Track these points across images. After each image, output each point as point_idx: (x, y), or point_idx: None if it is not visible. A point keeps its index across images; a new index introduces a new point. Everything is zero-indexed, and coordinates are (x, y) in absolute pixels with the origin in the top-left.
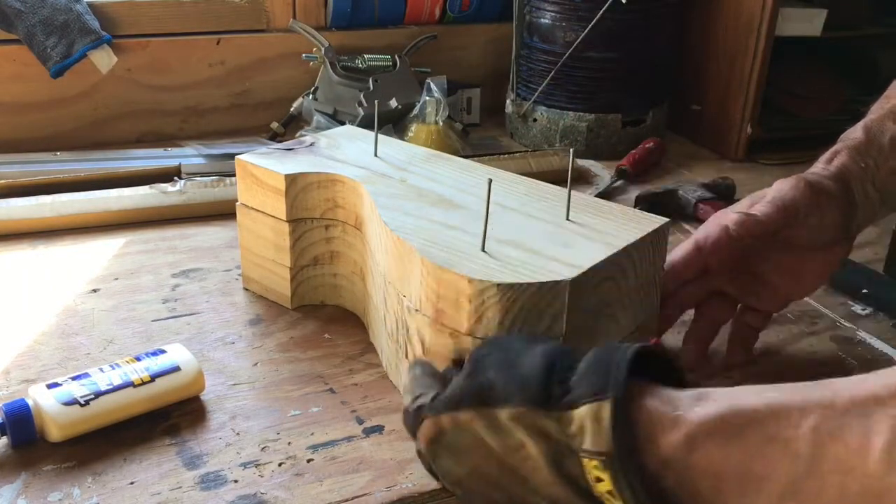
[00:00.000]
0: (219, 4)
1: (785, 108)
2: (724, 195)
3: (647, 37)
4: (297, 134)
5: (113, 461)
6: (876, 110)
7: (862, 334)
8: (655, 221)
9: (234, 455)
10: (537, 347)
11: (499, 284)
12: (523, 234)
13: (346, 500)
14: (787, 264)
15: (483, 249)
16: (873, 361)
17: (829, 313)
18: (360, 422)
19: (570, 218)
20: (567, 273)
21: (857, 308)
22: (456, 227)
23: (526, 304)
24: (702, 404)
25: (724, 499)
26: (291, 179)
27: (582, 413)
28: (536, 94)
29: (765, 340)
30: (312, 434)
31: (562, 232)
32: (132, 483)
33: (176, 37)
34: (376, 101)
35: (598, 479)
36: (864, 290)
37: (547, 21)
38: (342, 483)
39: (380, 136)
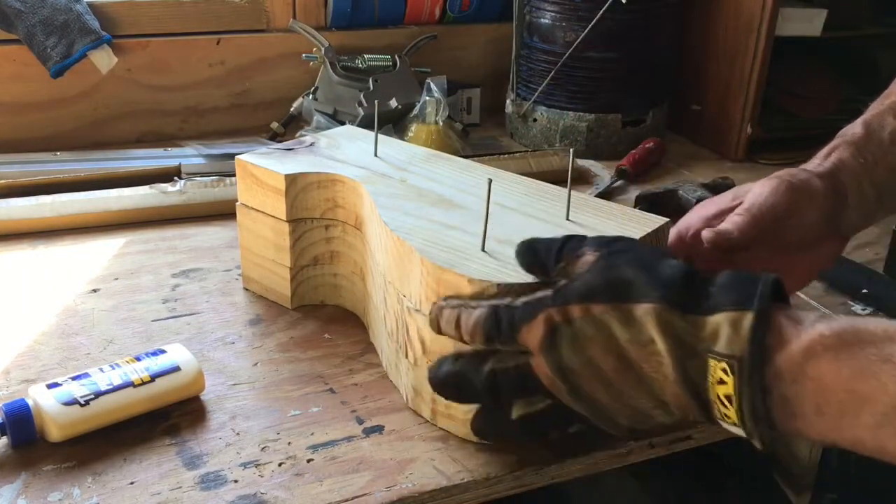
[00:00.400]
0: (219, 4)
1: (785, 108)
2: None
3: (647, 37)
4: (297, 134)
5: (113, 461)
6: (875, 106)
7: None
8: (655, 221)
9: (234, 455)
10: (671, 258)
11: (499, 284)
12: (523, 234)
13: (346, 500)
14: (771, 263)
15: (483, 249)
16: None
17: (829, 313)
18: (360, 422)
19: (570, 218)
20: None
21: (857, 308)
22: (456, 227)
23: None
24: (824, 322)
25: (826, 416)
26: (291, 179)
27: (718, 319)
28: (536, 94)
29: None
30: (312, 434)
31: (562, 232)
32: (132, 483)
33: (176, 37)
34: (376, 102)
35: (721, 381)
36: (864, 290)
37: (547, 21)
38: (342, 483)
39: (380, 136)
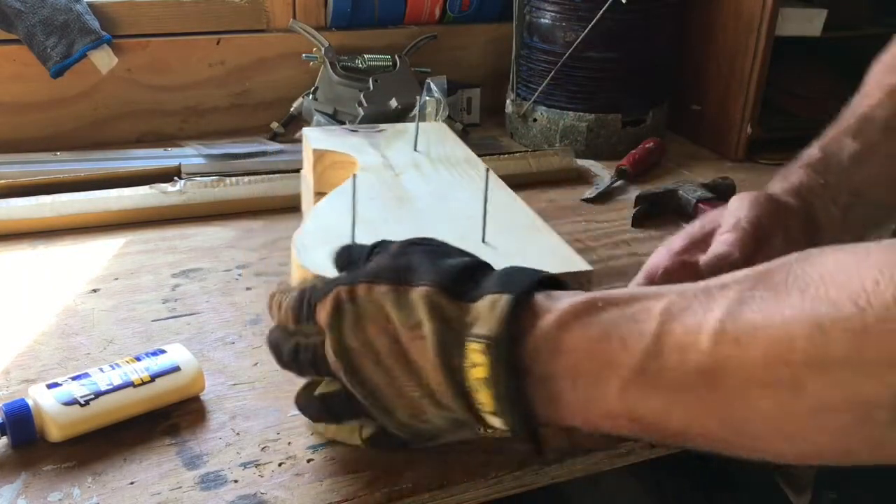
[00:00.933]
0: (219, 4)
1: (785, 108)
2: (724, 195)
3: (647, 37)
4: (297, 134)
5: (113, 461)
6: (831, 131)
7: None
8: (579, 265)
9: (234, 455)
10: (465, 255)
11: (316, 275)
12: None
13: (346, 500)
14: None
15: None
16: None
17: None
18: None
19: (485, 241)
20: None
21: None
22: (372, 223)
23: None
24: (579, 295)
25: (579, 389)
26: (319, 155)
27: (480, 305)
28: (536, 94)
29: None
30: (312, 434)
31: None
32: (132, 483)
33: (176, 37)
34: (426, 98)
35: (475, 365)
36: None
37: (547, 21)
38: (342, 483)
39: (445, 133)
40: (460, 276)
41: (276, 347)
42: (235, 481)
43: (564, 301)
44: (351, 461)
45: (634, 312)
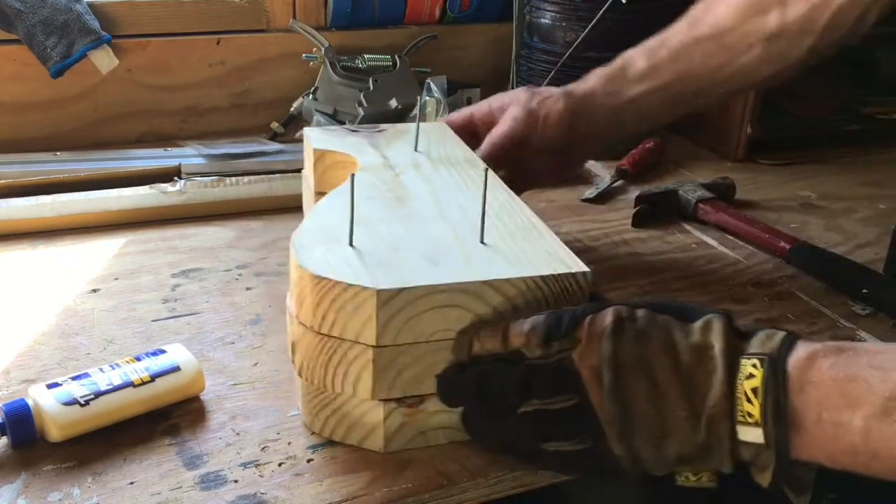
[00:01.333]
0: (219, 4)
1: (785, 108)
2: (724, 195)
3: (647, 37)
4: (297, 134)
5: (113, 461)
6: (638, 47)
7: (862, 334)
8: (577, 266)
9: (234, 455)
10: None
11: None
12: (419, 247)
13: (346, 500)
14: (534, 162)
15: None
16: None
17: (829, 313)
18: None
19: (484, 241)
20: (379, 283)
21: (857, 308)
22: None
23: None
24: (828, 341)
25: (823, 423)
26: (320, 155)
27: (755, 338)
28: None
29: None
30: (312, 434)
31: (468, 252)
32: (132, 483)
33: (176, 37)
34: (422, 98)
35: (749, 376)
36: (864, 290)
37: (547, 21)
38: (342, 483)
39: (445, 134)
40: (729, 317)
41: (484, 377)
42: (235, 481)
43: (816, 343)
44: (351, 461)
45: (882, 361)
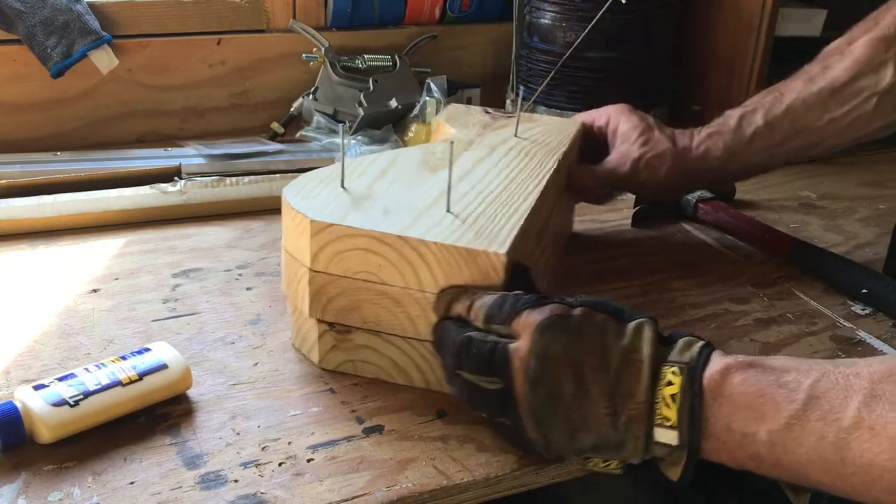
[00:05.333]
0: (219, 4)
1: None
2: (724, 195)
3: (647, 37)
4: (298, 134)
5: (113, 461)
6: (754, 100)
7: (861, 334)
8: (487, 245)
9: (234, 455)
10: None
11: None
12: (395, 208)
13: (346, 500)
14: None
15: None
16: None
17: (829, 313)
18: (360, 422)
19: (450, 210)
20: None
21: (857, 308)
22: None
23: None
24: (743, 356)
25: (732, 432)
26: (437, 126)
27: (677, 345)
28: (536, 94)
29: (763, 340)
30: (312, 434)
31: (421, 212)
32: (132, 483)
33: (176, 37)
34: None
35: (669, 383)
36: (864, 290)
37: (547, 21)
38: (342, 483)
39: (561, 129)
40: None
41: (444, 333)
42: (235, 481)
43: (729, 357)
44: (351, 461)
45: (787, 381)
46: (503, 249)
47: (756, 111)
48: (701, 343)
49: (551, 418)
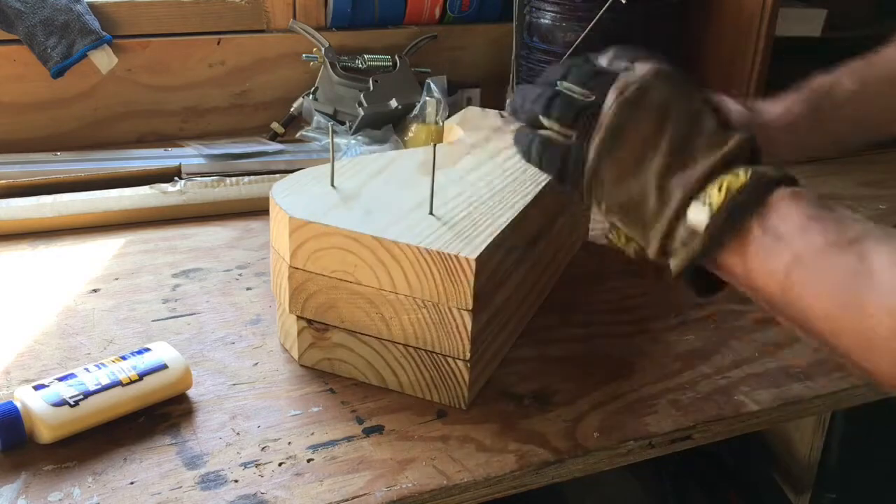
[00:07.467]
0: (219, 4)
1: None
2: None
3: (647, 37)
4: (298, 134)
5: (113, 461)
6: (846, 70)
7: None
8: (458, 250)
9: (234, 455)
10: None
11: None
12: (380, 209)
13: (346, 500)
14: None
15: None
16: None
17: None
18: (360, 422)
19: (432, 212)
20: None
21: None
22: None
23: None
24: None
25: (776, 228)
26: (450, 128)
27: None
28: None
29: (763, 340)
30: (312, 434)
31: (403, 214)
32: (132, 483)
33: (176, 37)
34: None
35: (737, 175)
36: None
37: (547, 21)
38: (342, 483)
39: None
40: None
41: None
42: (235, 481)
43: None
44: (351, 461)
45: (847, 226)
46: (474, 255)
47: (847, 75)
48: (787, 173)
49: (617, 150)
